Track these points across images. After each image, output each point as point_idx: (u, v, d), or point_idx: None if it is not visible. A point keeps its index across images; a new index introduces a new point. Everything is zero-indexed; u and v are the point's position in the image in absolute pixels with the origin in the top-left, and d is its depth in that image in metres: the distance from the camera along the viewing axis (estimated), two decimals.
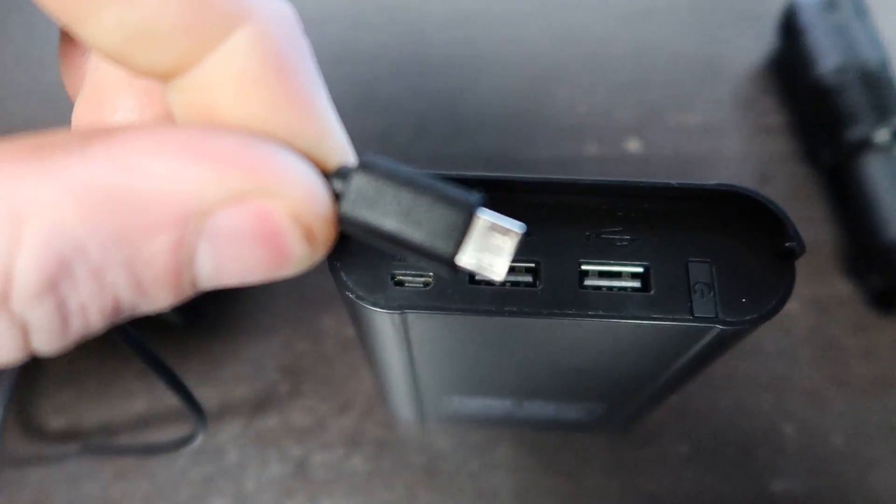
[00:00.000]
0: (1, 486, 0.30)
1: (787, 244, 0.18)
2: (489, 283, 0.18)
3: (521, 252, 0.18)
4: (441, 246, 0.12)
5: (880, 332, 0.33)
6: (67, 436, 0.31)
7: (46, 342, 0.10)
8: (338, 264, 0.18)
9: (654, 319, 0.17)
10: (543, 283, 0.18)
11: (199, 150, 0.10)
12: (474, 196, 0.13)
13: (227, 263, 0.11)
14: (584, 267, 0.18)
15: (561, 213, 0.19)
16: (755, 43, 0.41)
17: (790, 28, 0.39)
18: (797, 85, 0.38)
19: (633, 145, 0.38)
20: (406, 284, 0.18)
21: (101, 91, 0.13)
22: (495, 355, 0.21)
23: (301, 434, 0.31)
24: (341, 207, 0.12)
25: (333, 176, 0.13)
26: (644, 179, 0.19)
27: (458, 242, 0.12)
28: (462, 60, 0.41)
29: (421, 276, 0.18)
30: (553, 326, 0.18)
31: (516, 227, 0.13)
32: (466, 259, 0.12)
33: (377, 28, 0.42)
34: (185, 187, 0.10)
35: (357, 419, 0.31)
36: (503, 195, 0.19)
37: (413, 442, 0.31)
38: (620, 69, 0.41)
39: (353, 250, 0.18)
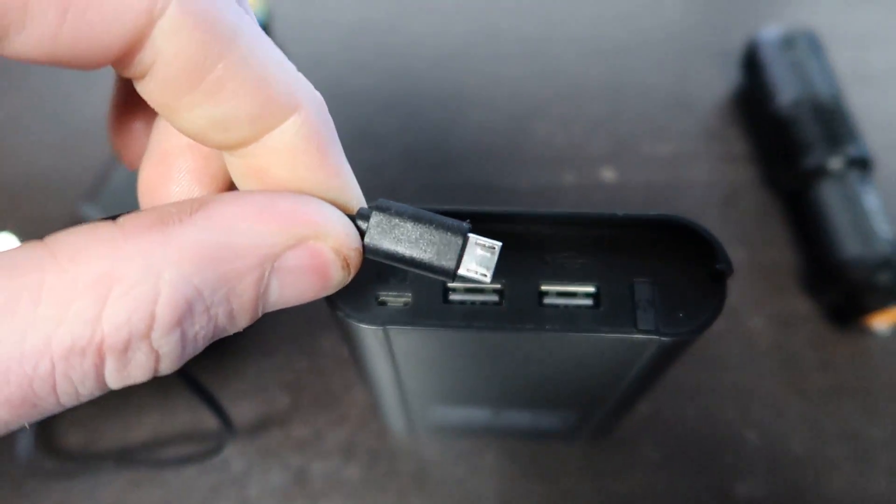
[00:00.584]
0: (23, 495, 0.32)
1: (717, 266, 0.20)
2: (461, 302, 0.21)
3: None
4: (445, 263, 0.16)
5: (837, 345, 0.36)
6: (85, 449, 0.34)
7: (168, 365, 0.14)
8: None
9: (603, 332, 0.20)
10: (507, 302, 0.21)
11: (269, 212, 0.14)
12: (465, 224, 0.17)
13: (288, 291, 0.15)
14: (542, 287, 0.21)
15: (523, 240, 0.22)
16: (721, 78, 0.45)
17: (752, 64, 0.42)
18: (758, 117, 0.41)
19: (607, 174, 0.41)
20: (388, 304, 0.21)
21: (169, 156, 0.17)
22: (470, 367, 0.24)
23: (300, 445, 0.34)
24: (365, 240, 0.16)
25: (356, 217, 0.16)
26: (593, 210, 0.21)
27: (458, 259, 0.16)
28: (448, 98, 0.44)
29: (401, 296, 0.21)
30: (517, 340, 0.21)
31: (496, 244, 0.17)
32: (463, 271, 0.17)
33: (370, 68, 0.45)
34: (264, 240, 0.14)
35: (352, 431, 0.34)
36: (473, 225, 0.22)
37: (404, 451, 0.34)
38: (595, 104, 0.44)
39: None
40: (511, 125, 0.43)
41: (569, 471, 0.33)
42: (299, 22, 0.47)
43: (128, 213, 0.14)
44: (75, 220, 0.36)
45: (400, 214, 0.16)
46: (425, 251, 0.16)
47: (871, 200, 0.36)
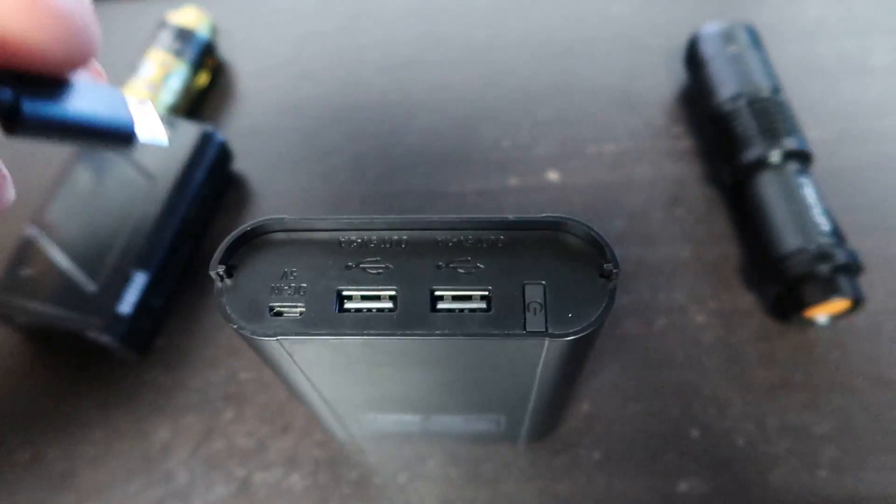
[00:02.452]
0: None
1: (605, 265, 0.21)
2: (356, 310, 0.21)
3: (382, 282, 0.21)
4: (124, 123, 0.15)
5: (780, 339, 0.36)
6: (31, 465, 0.34)
7: None
8: (223, 300, 0.21)
9: (492, 336, 0.20)
10: (400, 308, 0.21)
11: None
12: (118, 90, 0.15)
13: None
14: (436, 293, 0.21)
15: (416, 246, 0.22)
16: (667, 76, 0.45)
17: (693, 59, 0.42)
18: (701, 112, 0.41)
19: (552, 176, 0.41)
20: (284, 314, 0.21)
21: None
22: (378, 374, 0.24)
23: (244, 456, 0.34)
24: (24, 108, 0.13)
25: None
26: (486, 215, 0.21)
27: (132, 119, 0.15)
28: (395, 105, 0.44)
29: (295, 307, 0.21)
30: (411, 346, 0.21)
31: (146, 101, 0.16)
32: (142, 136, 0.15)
33: (318, 78, 0.46)
34: None
35: (296, 440, 0.34)
36: (365, 233, 0.22)
37: (347, 459, 0.34)
38: (542, 106, 0.44)
39: (238, 287, 0.21)
40: (458, 130, 0.43)
41: (511, 474, 0.33)
42: (245, 35, 0.47)
43: None
44: (22, 241, 0.36)
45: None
46: (96, 114, 0.14)
47: (810, 193, 0.36)
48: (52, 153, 0.38)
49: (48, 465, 0.34)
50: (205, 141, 0.39)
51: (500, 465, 0.33)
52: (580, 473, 0.33)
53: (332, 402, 0.27)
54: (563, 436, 0.34)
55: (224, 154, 0.40)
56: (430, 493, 0.33)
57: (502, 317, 0.21)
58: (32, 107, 0.13)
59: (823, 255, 0.34)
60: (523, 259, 0.21)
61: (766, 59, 0.40)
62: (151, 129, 0.15)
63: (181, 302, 0.38)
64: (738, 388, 0.35)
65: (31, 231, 0.36)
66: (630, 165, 0.41)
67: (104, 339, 0.33)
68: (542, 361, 0.22)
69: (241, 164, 0.42)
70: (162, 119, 0.15)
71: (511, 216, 0.22)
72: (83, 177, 0.37)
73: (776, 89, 0.39)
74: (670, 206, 0.40)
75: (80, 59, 0.13)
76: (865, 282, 0.35)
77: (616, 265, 0.21)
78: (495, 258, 0.21)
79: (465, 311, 0.21)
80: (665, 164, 0.41)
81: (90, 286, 0.34)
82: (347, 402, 0.27)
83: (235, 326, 0.21)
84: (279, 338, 0.20)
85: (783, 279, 0.35)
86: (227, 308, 0.21)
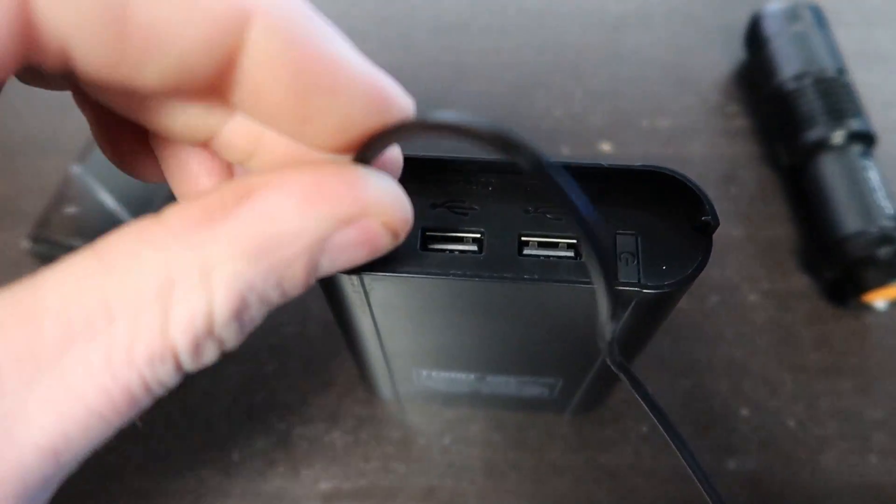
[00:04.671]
0: None
1: (703, 218, 0.20)
2: (439, 250, 0.20)
3: (469, 224, 0.21)
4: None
5: (834, 323, 0.35)
6: None
7: (232, 345, 0.15)
8: None
9: (583, 283, 0.20)
10: (486, 251, 0.20)
11: (315, 196, 0.14)
12: None
13: (338, 262, 0.15)
14: (523, 238, 0.20)
15: (505, 190, 0.21)
16: (724, 53, 0.44)
17: (755, 37, 0.41)
18: (761, 91, 0.41)
19: (605, 147, 0.40)
20: None
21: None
22: (450, 322, 0.23)
23: (285, 410, 0.33)
24: None
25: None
26: (578, 161, 0.21)
27: None
28: (446, 67, 0.43)
29: None
30: (495, 291, 0.20)
31: None
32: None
33: (368, 37, 0.45)
34: (311, 226, 0.14)
35: (338, 397, 0.34)
36: (453, 175, 0.21)
37: (390, 418, 0.33)
38: (595, 77, 0.43)
39: None
40: (509, 97, 0.42)
41: (555, 443, 0.33)
42: None
43: (170, 206, 0.14)
44: (67, 178, 0.35)
45: None
46: None
47: (874, 176, 0.35)
48: None
49: None
50: None
51: (544, 433, 0.33)
52: (626, 446, 0.33)
53: (390, 353, 0.26)
54: (610, 408, 0.33)
55: None
56: (474, 456, 0.32)
57: None
58: None
59: (886, 238, 0.33)
60: (615, 208, 0.21)
61: (831, 40, 0.39)
62: None
63: None
64: (790, 370, 0.34)
65: (76, 169, 0.35)
66: (684, 141, 0.41)
67: None
68: (625, 316, 0.21)
69: None
70: None
71: (605, 163, 0.21)
72: None
73: (841, 70, 0.38)
74: (724, 185, 0.39)
75: None
76: None
77: (716, 219, 0.20)
78: None
79: (554, 257, 0.20)
80: (719, 143, 0.40)
81: None
82: (406, 355, 0.27)
83: None
84: (362, 274, 0.20)
85: (842, 262, 0.34)
86: None
